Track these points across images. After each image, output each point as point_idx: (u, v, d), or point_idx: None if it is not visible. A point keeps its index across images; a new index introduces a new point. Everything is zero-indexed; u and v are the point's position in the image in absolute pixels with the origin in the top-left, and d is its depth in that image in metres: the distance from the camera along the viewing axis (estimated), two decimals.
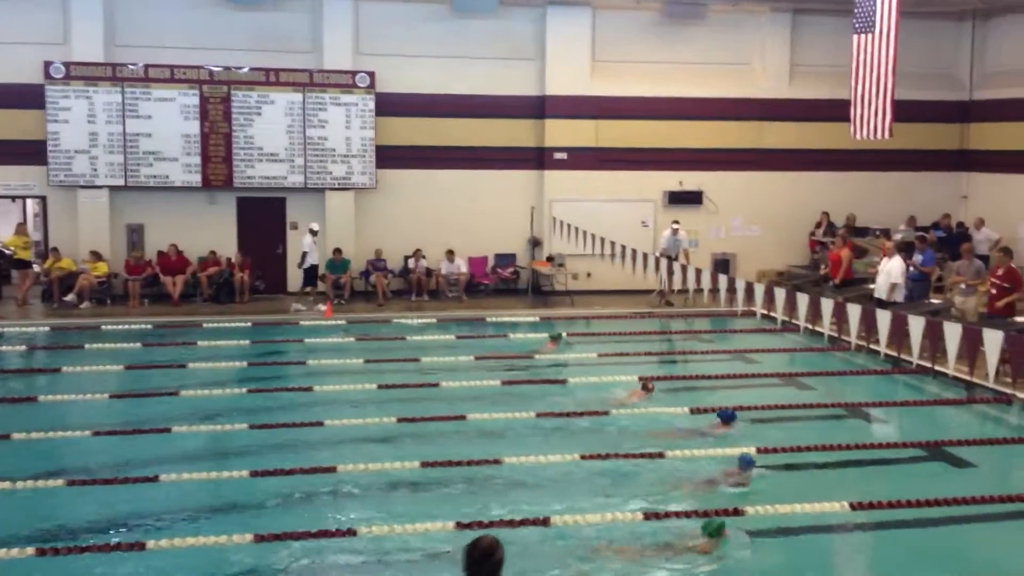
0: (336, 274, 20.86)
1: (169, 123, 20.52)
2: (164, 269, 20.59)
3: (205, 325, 17.93)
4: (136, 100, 20.40)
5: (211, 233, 21.13)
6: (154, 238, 20.99)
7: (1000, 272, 15.67)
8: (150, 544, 8.26)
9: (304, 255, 20.38)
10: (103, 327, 17.60)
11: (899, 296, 17.01)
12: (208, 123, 20.67)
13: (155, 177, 20.63)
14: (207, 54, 20.66)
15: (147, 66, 20.38)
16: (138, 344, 16.30)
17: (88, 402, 12.87)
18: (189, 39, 20.70)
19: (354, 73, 21.11)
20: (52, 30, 20.39)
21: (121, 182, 20.54)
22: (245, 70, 20.79)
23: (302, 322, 18.69)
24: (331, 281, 20.74)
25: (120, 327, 17.67)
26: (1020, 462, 11.45)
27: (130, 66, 20.34)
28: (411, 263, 21.49)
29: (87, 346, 16.08)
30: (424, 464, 10.31)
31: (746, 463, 10.12)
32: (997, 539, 9.29)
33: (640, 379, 13.43)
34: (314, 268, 20.48)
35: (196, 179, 20.73)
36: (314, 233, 20.39)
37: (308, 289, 20.33)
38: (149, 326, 17.90)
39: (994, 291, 15.63)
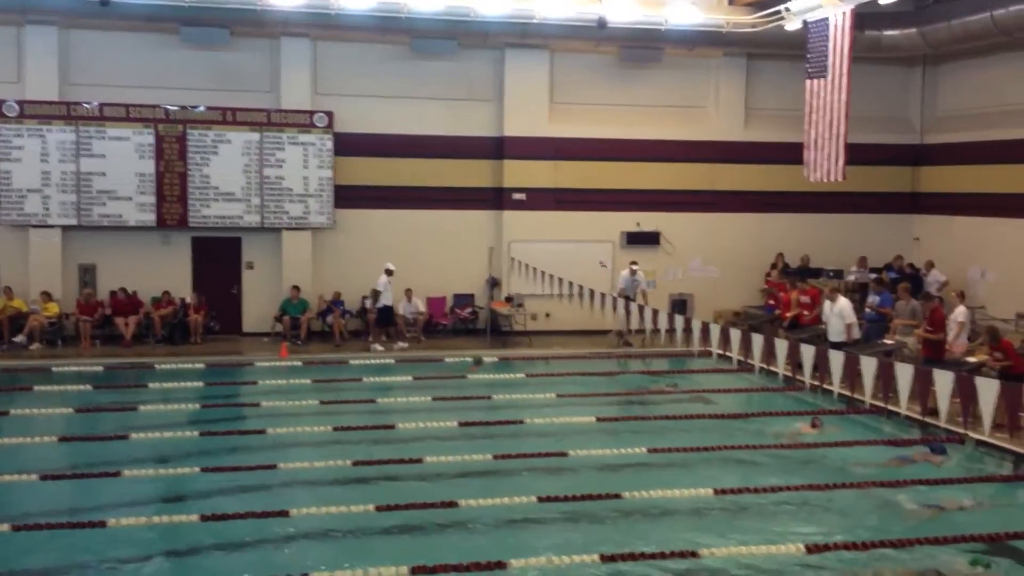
0: (293, 314, 20.70)
1: (123, 162, 20.33)
2: (116, 310, 20.31)
3: (157, 367, 17.67)
4: (90, 139, 20.21)
5: (165, 273, 20.89)
6: (107, 278, 20.70)
7: (927, 315, 16.12)
8: None
9: (378, 294, 20.36)
10: (53, 369, 17.29)
11: (856, 333, 17.22)
12: (163, 162, 20.51)
13: (108, 216, 20.40)
14: (163, 93, 20.53)
15: (102, 105, 20.22)
16: (89, 386, 15.99)
17: (36, 445, 12.58)
18: (145, 78, 20.56)
19: (312, 113, 21.09)
20: (6, 68, 20.16)
21: (74, 222, 20.29)
22: (201, 109, 20.69)
23: (257, 363, 18.48)
24: (288, 322, 20.58)
25: (71, 369, 17.35)
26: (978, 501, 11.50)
27: (85, 104, 20.17)
28: (368, 303, 21.39)
29: (36, 388, 15.76)
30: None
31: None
32: None
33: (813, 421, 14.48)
34: (388, 308, 20.45)
35: (151, 218, 20.53)
36: (390, 273, 20.34)
37: (387, 329, 20.50)
38: (100, 368, 17.57)
39: (924, 335, 16.04)
